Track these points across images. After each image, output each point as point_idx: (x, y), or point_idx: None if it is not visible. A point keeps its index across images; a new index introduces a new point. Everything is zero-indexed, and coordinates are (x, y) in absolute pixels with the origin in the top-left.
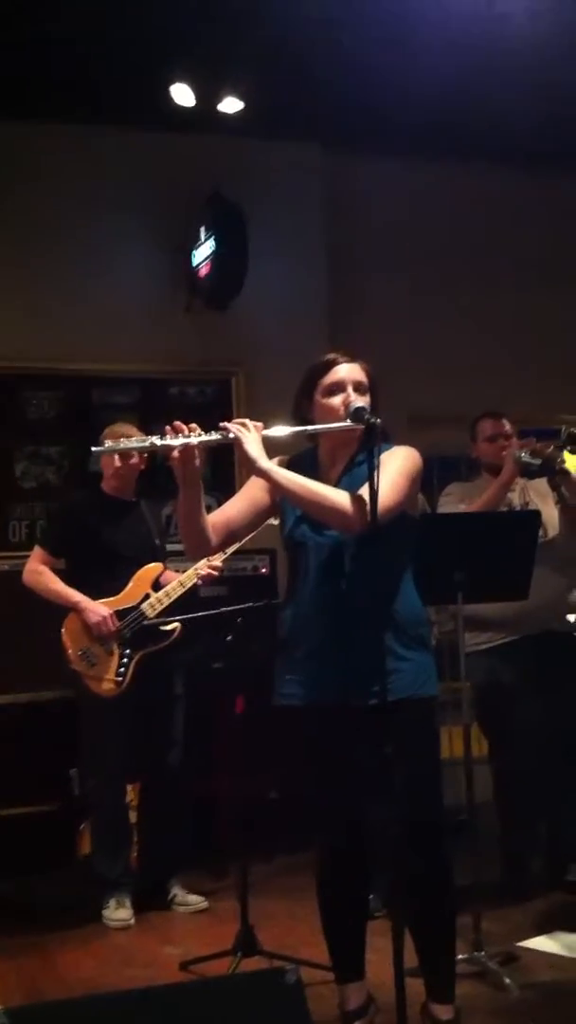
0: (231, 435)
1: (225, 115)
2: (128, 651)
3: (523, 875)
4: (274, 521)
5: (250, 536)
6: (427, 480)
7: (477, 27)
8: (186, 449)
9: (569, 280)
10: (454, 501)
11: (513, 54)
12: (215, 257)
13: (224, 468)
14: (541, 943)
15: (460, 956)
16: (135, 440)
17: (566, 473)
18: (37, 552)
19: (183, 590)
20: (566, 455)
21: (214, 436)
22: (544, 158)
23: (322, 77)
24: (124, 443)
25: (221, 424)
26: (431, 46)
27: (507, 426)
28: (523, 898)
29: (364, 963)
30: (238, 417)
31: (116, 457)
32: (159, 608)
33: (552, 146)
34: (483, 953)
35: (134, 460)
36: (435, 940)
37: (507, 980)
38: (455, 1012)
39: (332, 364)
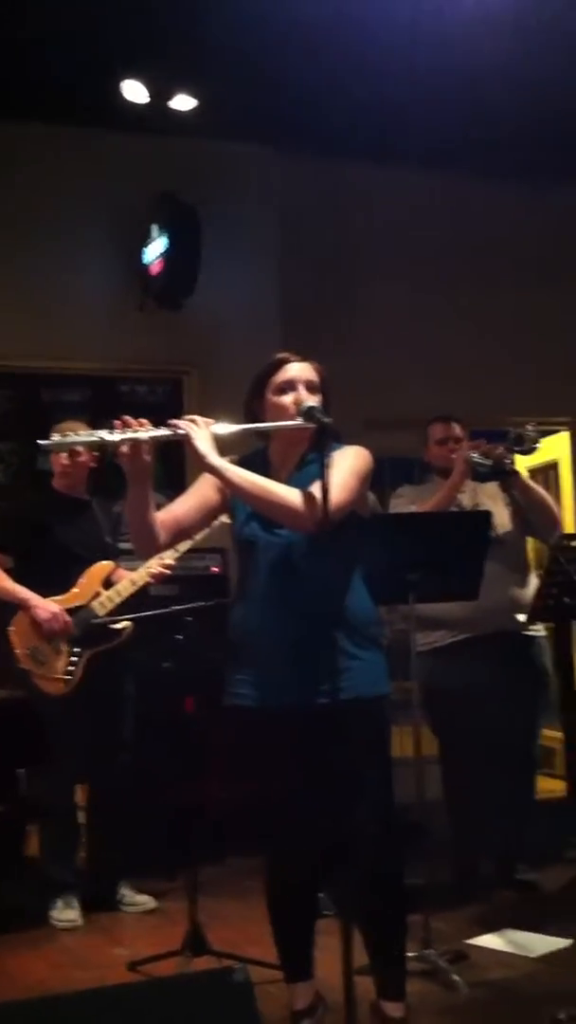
0: (180, 431)
1: (181, 115)
2: (78, 650)
3: (473, 873)
4: (227, 519)
5: (203, 534)
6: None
7: (442, 28)
8: (135, 445)
9: (506, 281)
10: (404, 503)
11: (482, 56)
12: (167, 256)
13: (176, 466)
14: (490, 941)
15: (410, 954)
16: (83, 434)
17: (515, 473)
18: None
19: (134, 588)
20: (515, 457)
21: (163, 432)
22: (503, 160)
23: (279, 79)
24: (72, 437)
25: (170, 421)
26: (391, 48)
27: (457, 429)
28: (473, 896)
29: (313, 962)
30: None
31: (65, 454)
32: (109, 607)
33: (522, 150)
34: (433, 951)
35: (83, 457)
36: (385, 938)
37: (456, 978)
38: (405, 1009)
39: (283, 363)
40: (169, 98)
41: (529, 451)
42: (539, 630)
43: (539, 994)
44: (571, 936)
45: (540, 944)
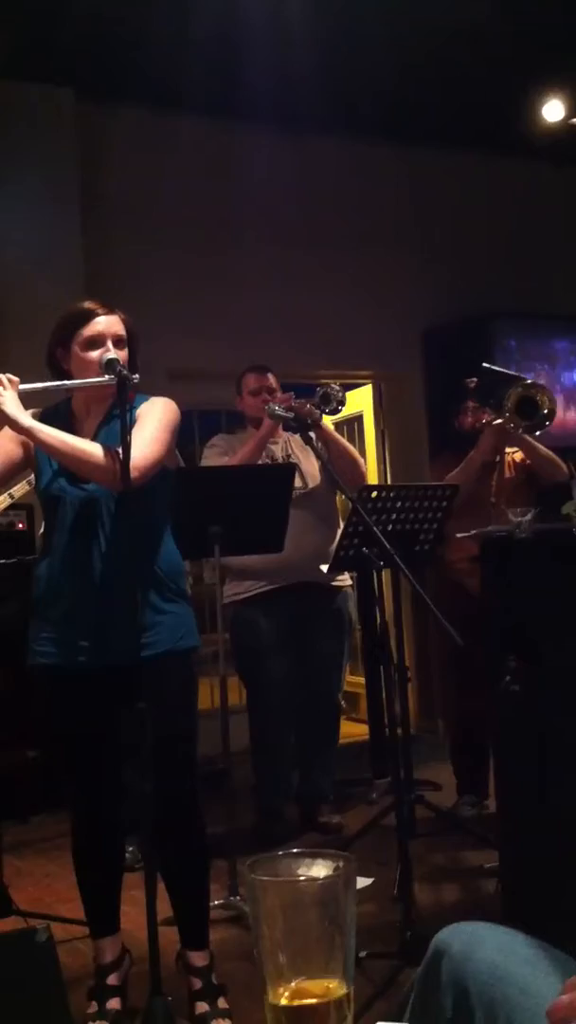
0: None
1: None
2: None
3: (277, 819)
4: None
5: (22, 490)
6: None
7: None
8: None
9: (323, 240)
10: (217, 453)
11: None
12: None
13: None
14: None
15: (216, 902)
16: None
17: (318, 426)
18: None
19: None
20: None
21: None
22: (293, 116)
23: (77, 20)
24: None
25: None
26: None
27: (271, 380)
28: (277, 841)
29: (118, 917)
30: None
31: None
32: None
33: (297, 104)
34: (238, 897)
35: None
36: (187, 888)
37: None
38: (209, 957)
39: (91, 315)
40: None
41: (335, 411)
42: (345, 580)
43: None
44: (372, 875)
45: None
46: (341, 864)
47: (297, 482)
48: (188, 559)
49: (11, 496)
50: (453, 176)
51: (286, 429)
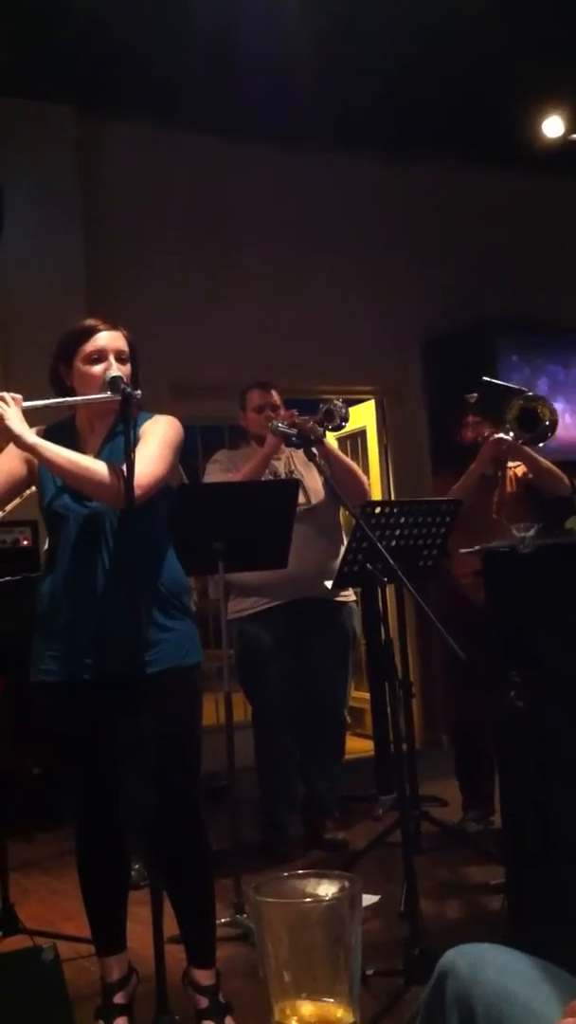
0: None
1: None
2: None
3: (281, 835)
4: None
5: (12, 505)
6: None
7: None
8: None
9: (317, 252)
10: (220, 469)
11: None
12: None
13: None
14: None
15: (222, 920)
16: None
17: (321, 443)
18: None
19: None
20: (326, 432)
21: None
22: (291, 128)
23: (75, 37)
24: None
25: None
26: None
27: (275, 396)
28: (282, 858)
29: (125, 935)
30: None
31: None
32: None
33: (295, 116)
34: (244, 915)
35: None
36: (193, 906)
37: None
38: (216, 976)
39: (93, 331)
40: None
41: (338, 427)
42: (349, 595)
43: None
44: (379, 892)
45: None
46: (347, 884)
47: (300, 498)
48: (192, 575)
49: (2, 510)
50: (452, 187)
51: (289, 445)
